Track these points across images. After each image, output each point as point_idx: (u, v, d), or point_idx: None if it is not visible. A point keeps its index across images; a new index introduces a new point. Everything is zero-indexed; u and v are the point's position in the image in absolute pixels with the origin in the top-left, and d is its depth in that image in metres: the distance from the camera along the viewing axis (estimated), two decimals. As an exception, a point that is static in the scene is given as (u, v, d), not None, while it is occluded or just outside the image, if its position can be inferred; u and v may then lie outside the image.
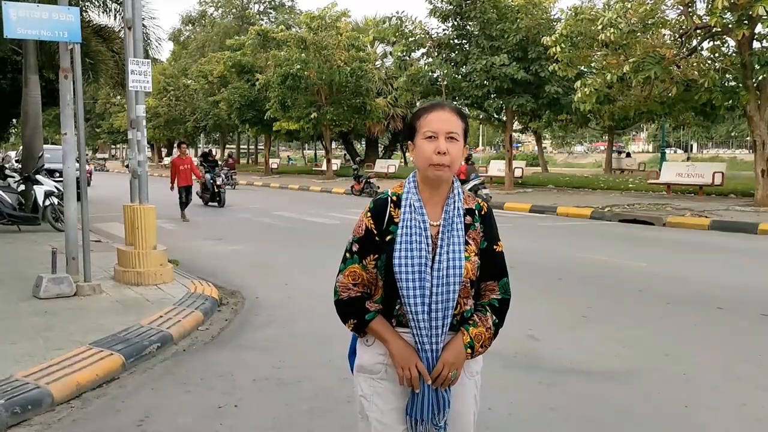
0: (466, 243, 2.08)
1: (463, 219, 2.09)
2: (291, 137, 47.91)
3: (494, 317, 2.13)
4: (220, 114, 41.84)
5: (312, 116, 31.25)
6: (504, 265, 2.18)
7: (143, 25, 9.64)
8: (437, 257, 2.04)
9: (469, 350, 2.08)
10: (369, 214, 2.13)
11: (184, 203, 15.51)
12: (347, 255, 2.14)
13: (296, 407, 4.13)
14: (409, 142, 2.14)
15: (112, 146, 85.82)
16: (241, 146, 67.66)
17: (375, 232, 2.10)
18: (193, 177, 16.20)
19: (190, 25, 64.70)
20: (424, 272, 2.02)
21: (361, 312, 2.11)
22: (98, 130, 64.17)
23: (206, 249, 11.02)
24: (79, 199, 7.16)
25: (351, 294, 2.12)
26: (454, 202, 2.11)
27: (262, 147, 52.10)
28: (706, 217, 13.75)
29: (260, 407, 4.14)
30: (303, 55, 29.49)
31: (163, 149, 69.88)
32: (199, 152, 52.06)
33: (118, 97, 49.04)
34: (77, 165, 7.27)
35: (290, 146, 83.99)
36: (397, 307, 2.08)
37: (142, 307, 6.43)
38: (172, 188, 15.60)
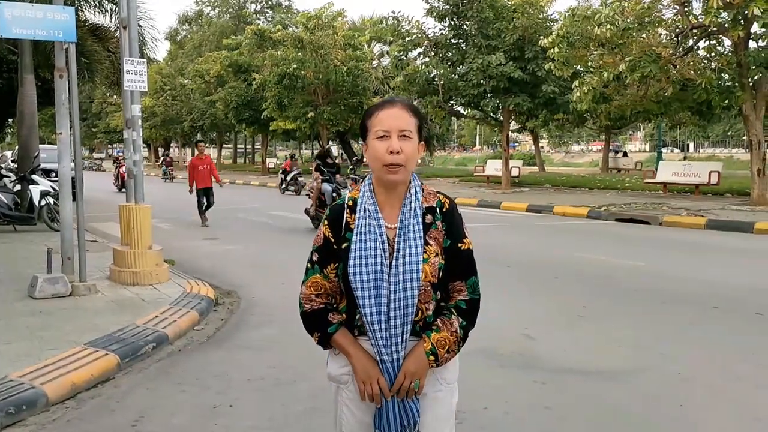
0: (426, 243, 1.97)
1: (421, 219, 1.98)
2: (288, 137, 47.87)
3: (461, 319, 2.01)
4: (216, 114, 41.79)
5: (309, 116, 31.23)
6: (472, 263, 2.06)
7: (139, 25, 9.62)
8: (394, 262, 1.94)
9: (431, 357, 1.96)
10: (326, 221, 2.05)
11: (204, 206, 14.33)
12: (308, 265, 2.07)
13: (292, 407, 4.12)
14: (363, 143, 2.04)
15: (109, 146, 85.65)
16: (238, 146, 67.60)
17: (332, 240, 2.02)
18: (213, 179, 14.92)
19: (186, 24, 64.64)
20: (380, 279, 1.93)
21: (324, 325, 2.05)
22: (95, 129, 64.03)
23: (202, 249, 11.00)
24: (74, 198, 7.14)
25: (314, 306, 2.05)
26: (411, 202, 2.00)
27: (260, 147, 52.03)
28: (703, 216, 13.77)
29: (256, 407, 4.13)
30: (300, 54, 29.48)
31: (159, 149, 69.84)
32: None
33: (115, 97, 48.93)
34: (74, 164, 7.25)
35: (287, 146, 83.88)
36: (357, 316, 2.00)
37: (137, 307, 6.42)
38: (191, 191, 14.48)
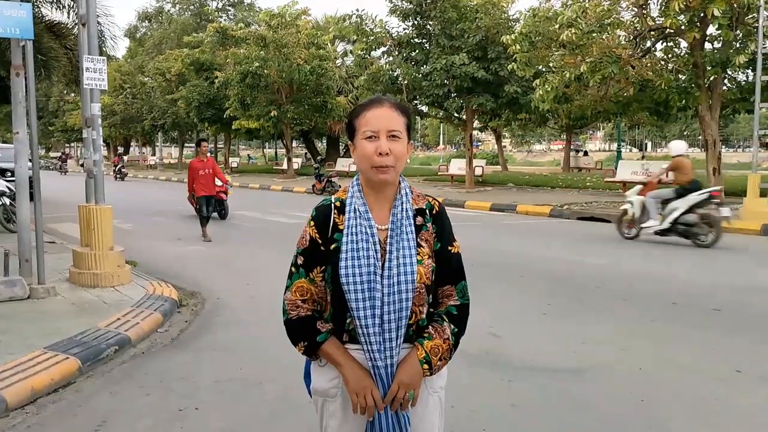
0: (418, 245, 1.94)
1: (413, 220, 1.95)
2: (251, 136, 47.49)
3: (452, 326, 1.97)
4: (178, 112, 41.26)
5: (272, 115, 31.03)
6: (461, 267, 2.03)
7: (98, 22, 9.43)
8: (387, 264, 1.89)
9: (426, 366, 1.92)
10: (312, 222, 1.97)
11: (205, 217, 11.98)
12: (293, 269, 1.98)
13: (258, 409, 4.09)
14: (350, 142, 2.00)
15: (66, 145, 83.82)
16: (200, 145, 66.70)
17: (320, 241, 1.94)
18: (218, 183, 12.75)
19: (146, 21, 63.58)
20: (373, 281, 1.87)
21: (313, 333, 1.95)
22: (51, 128, 62.57)
23: (165, 249, 10.84)
24: (32, 199, 6.97)
25: (301, 312, 1.96)
26: (402, 203, 1.96)
27: (222, 146, 51.50)
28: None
29: (221, 410, 4.09)
30: (262, 53, 29.27)
31: (119, 148, 68.58)
32: (158, 152, 51.34)
33: (72, 95, 47.91)
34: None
35: (250, 145, 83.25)
36: (348, 321, 1.92)
37: (98, 310, 6.30)
38: (191, 200, 12.60)
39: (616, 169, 23.76)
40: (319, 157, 31.89)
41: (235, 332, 5.93)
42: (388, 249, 1.90)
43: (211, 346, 5.52)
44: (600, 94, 17.87)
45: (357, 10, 23.06)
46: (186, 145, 59.09)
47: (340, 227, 1.93)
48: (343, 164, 34.57)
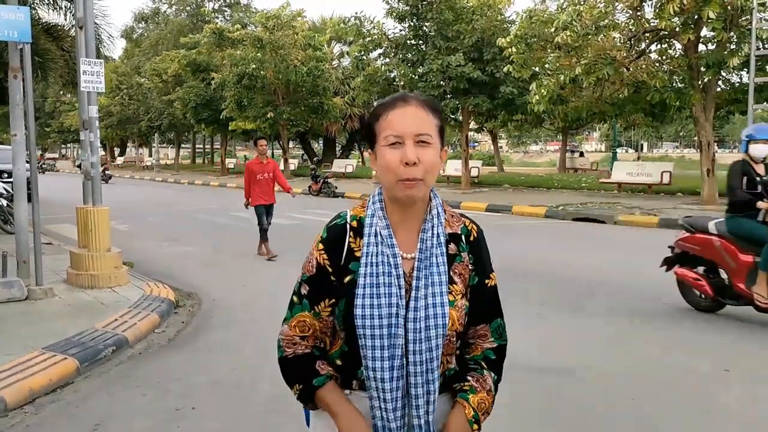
0: (451, 281, 1.60)
1: (445, 249, 1.60)
2: (247, 137, 47.45)
3: (493, 374, 1.68)
4: (174, 113, 41.21)
5: (268, 116, 31.07)
6: (498, 302, 1.72)
7: (95, 24, 9.48)
8: (412, 303, 1.55)
9: (475, 426, 1.60)
10: (321, 246, 1.63)
11: (264, 230, 10.15)
12: (294, 299, 1.66)
13: (254, 409, 4.15)
14: (369, 151, 1.64)
15: (63, 146, 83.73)
16: (197, 146, 66.78)
17: (330, 269, 1.60)
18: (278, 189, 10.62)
19: (143, 22, 63.51)
20: (395, 326, 1.54)
21: (310, 375, 1.63)
22: (48, 129, 62.50)
23: (162, 250, 10.89)
24: (29, 200, 7.02)
25: (298, 350, 1.65)
26: (433, 226, 1.61)
27: (219, 147, 51.50)
28: (655, 215, 14.16)
29: (218, 409, 4.14)
30: (259, 54, 29.31)
31: (116, 149, 68.53)
32: (154, 153, 51.39)
33: (69, 96, 47.88)
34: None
35: (247, 146, 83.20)
36: (362, 368, 1.59)
37: (96, 311, 6.34)
38: (247, 205, 10.41)
39: (611, 170, 23.86)
40: (315, 158, 31.99)
41: (231, 333, 5.98)
42: (414, 285, 1.57)
43: (207, 346, 5.57)
44: (595, 96, 17.97)
45: (356, 13, 23.17)
46: (182, 146, 59.08)
47: (357, 254, 1.59)
48: (339, 165, 34.63)
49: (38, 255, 6.87)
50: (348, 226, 1.62)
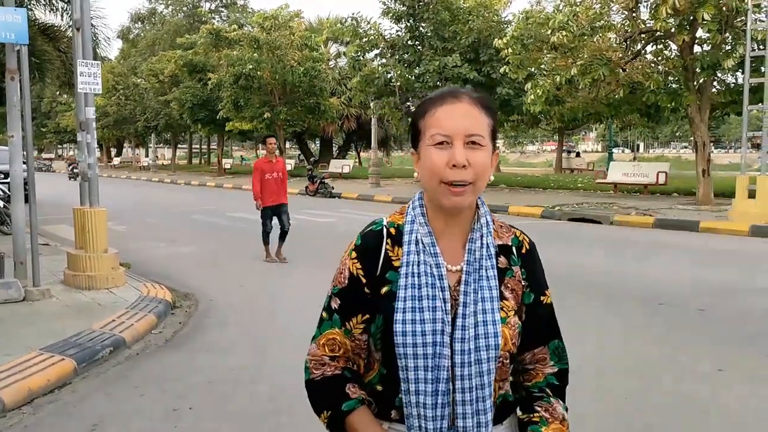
0: (502, 297, 1.43)
1: (495, 262, 1.44)
2: (244, 137, 47.50)
3: (561, 401, 1.51)
4: (171, 114, 41.23)
5: (265, 116, 31.11)
6: (554, 321, 1.56)
7: (92, 25, 9.49)
8: (459, 320, 1.38)
9: None
10: (354, 253, 1.46)
11: (285, 232, 9.71)
12: (324, 315, 1.49)
13: (252, 409, 4.18)
14: (412, 150, 1.49)
15: (59, 146, 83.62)
16: (194, 146, 66.76)
17: (363, 280, 1.44)
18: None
19: (139, 22, 63.48)
20: (440, 344, 1.36)
21: (339, 399, 1.44)
22: (44, 129, 62.43)
23: (159, 251, 10.90)
24: (27, 201, 7.04)
25: (326, 372, 1.46)
26: (482, 236, 1.44)
27: (216, 147, 51.49)
28: (651, 215, 14.21)
29: (216, 409, 4.17)
30: (256, 54, 29.33)
31: (112, 149, 68.46)
32: (151, 154, 51.37)
33: (65, 96, 47.82)
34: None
35: (243, 146, 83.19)
36: (402, 393, 1.40)
37: (93, 312, 6.36)
38: (258, 206, 9.69)
39: (607, 170, 23.93)
40: (312, 159, 31.96)
41: (228, 333, 6.00)
42: (462, 300, 1.39)
43: (204, 346, 5.60)
44: (591, 97, 18.03)
45: (353, 14, 23.23)
46: (179, 146, 59.04)
47: (395, 263, 1.43)
48: (335, 166, 34.67)
49: (35, 256, 6.89)
50: (385, 232, 1.46)
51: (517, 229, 1.55)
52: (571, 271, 8.70)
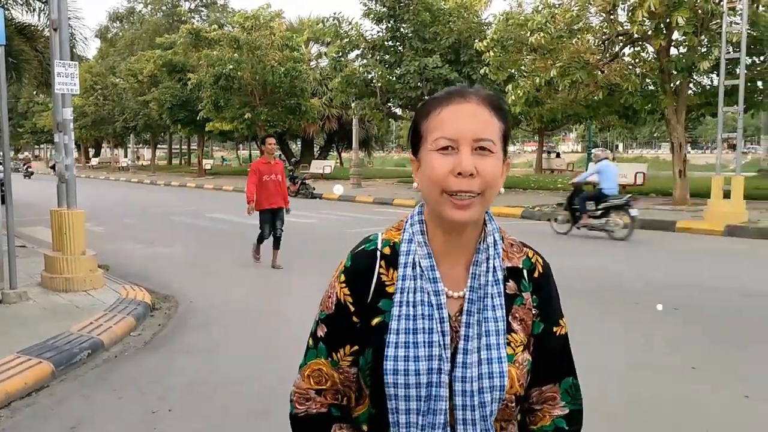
0: (509, 330, 1.26)
1: (503, 288, 1.26)
2: (225, 138, 47.27)
3: None
4: (150, 114, 40.88)
5: (246, 117, 30.99)
6: (569, 355, 1.37)
7: (69, 25, 9.40)
8: (460, 357, 1.22)
9: None
10: (343, 277, 1.29)
11: (277, 238, 9.29)
12: (310, 342, 1.33)
13: (232, 410, 4.18)
14: (412, 157, 1.29)
15: (36, 146, 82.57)
16: (173, 147, 66.30)
17: (352, 308, 1.27)
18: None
19: (117, 22, 62.87)
20: (436, 385, 1.20)
21: None
22: (20, 129, 61.62)
23: (138, 253, 10.83)
24: (3, 202, 6.96)
25: (311, 409, 1.32)
26: (489, 258, 1.26)
27: (196, 147, 51.17)
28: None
29: (195, 411, 4.17)
30: (236, 55, 29.21)
31: (90, 150, 67.74)
32: (130, 154, 50.90)
33: (42, 96, 47.24)
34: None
35: (224, 146, 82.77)
36: None
37: (71, 314, 6.32)
38: (250, 211, 9.21)
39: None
40: (293, 159, 31.89)
41: (208, 335, 5.99)
42: (463, 332, 1.23)
43: (184, 348, 5.59)
44: (570, 98, 18.20)
45: (334, 14, 23.24)
46: (159, 147, 58.58)
47: (389, 289, 1.26)
48: (317, 166, 34.62)
49: (12, 258, 6.82)
50: (378, 252, 1.28)
51: (531, 248, 1.36)
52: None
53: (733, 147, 20.58)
